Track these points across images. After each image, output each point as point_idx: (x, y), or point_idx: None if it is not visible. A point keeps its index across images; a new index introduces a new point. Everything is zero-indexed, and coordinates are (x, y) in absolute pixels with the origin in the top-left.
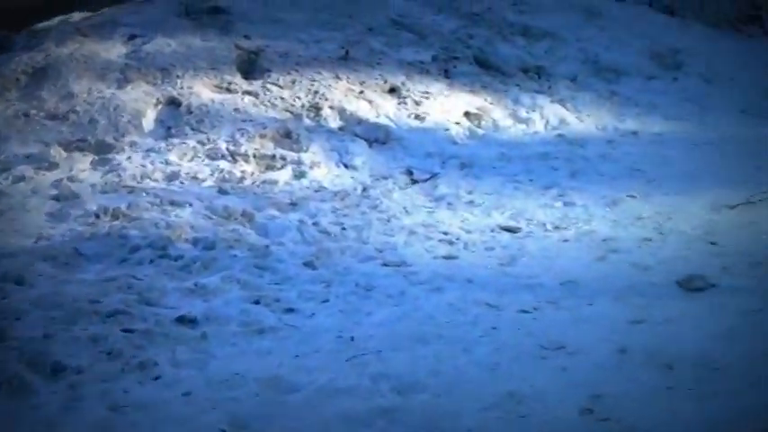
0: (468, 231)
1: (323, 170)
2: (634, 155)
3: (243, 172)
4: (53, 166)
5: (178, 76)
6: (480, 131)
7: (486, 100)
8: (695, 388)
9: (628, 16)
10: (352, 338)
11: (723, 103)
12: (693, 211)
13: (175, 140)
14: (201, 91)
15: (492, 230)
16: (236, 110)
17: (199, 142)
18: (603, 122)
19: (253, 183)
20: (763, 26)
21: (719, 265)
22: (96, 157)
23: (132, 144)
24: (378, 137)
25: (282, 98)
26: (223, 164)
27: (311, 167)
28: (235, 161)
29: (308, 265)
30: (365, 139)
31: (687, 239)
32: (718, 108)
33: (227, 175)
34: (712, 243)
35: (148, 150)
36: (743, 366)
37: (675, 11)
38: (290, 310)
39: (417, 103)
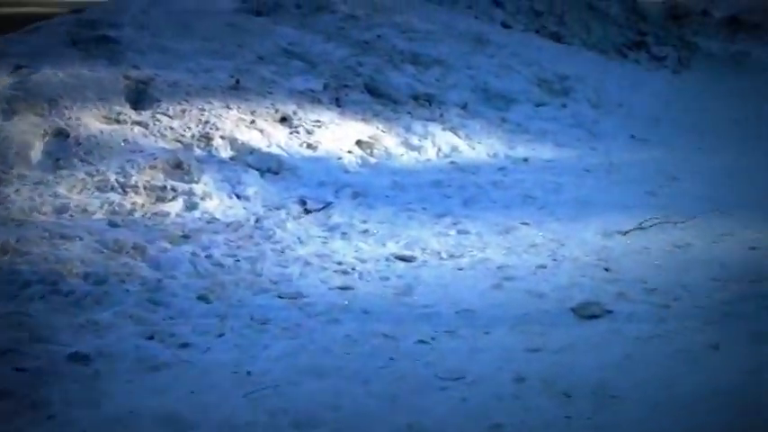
0: (363, 261)
1: (215, 201)
2: (526, 182)
3: (133, 204)
4: None
5: (66, 107)
6: (373, 160)
7: (378, 128)
8: (593, 417)
9: (516, 43)
10: (249, 373)
11: (612, 128)
12: (586, 238)
13: (64, 172)
14: (90, 122)
15: (387, 260)
16: (125, 141)
17: (88, 174)
18: (495, 149)
19: (144, 215)
20: (649, 51)
21: (614, 291)
22: None
23: (20, 176)
24: (270, 166)
25: (172, 128)
26: (113, 196)
27: (203, 198)
28: (125, 193)
29: (201, 298)
30: (257, 169)
31: (581, 266)
32: (608, 133)
33: (117, 208)
34: (606, 269)
35: (37, 183)
36: (640, 394)
37: (562, 37)
38: (185, 345)
39: (309, 132)
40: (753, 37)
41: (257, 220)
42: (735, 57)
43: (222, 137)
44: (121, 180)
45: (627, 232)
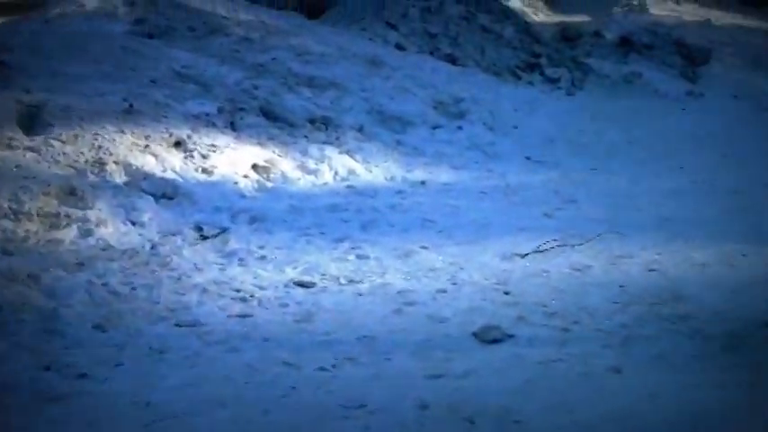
0: (262, 288)
1: (110, 228)
2: (424, 205)
3: (27, 231)
4: None
5: None
6: (269, 184)
7: (274, 152)
8: None
9: (411, 65)
10: (149, 403)
11: (508, 150)
12: (486, 261)
13: None
14: None
15: (286, 286)
16: (17, 167)
17: None
18: (392, 173)
19: (37, 242)
20: (543, 73)
21: (515, 315)
22: None
23: None
24: (165, 192)
25: (65, 153)
26: (5, 223)
27: (97, 225)
28: (18, 220)
29: (98, 327)
30: (152, 195)
31: (481, 289)
32: (504, 156)
33: (10, 235)
34: (506, 293)
35: None
36: (543, 418)
37: (457, 59)
38: (83, 376)
39: (204, 157)
40: (644, 57)
41: (153, 247)
42: (627, 77)
43: (116, 162)
44: (14, 207)
45: (525, 255)
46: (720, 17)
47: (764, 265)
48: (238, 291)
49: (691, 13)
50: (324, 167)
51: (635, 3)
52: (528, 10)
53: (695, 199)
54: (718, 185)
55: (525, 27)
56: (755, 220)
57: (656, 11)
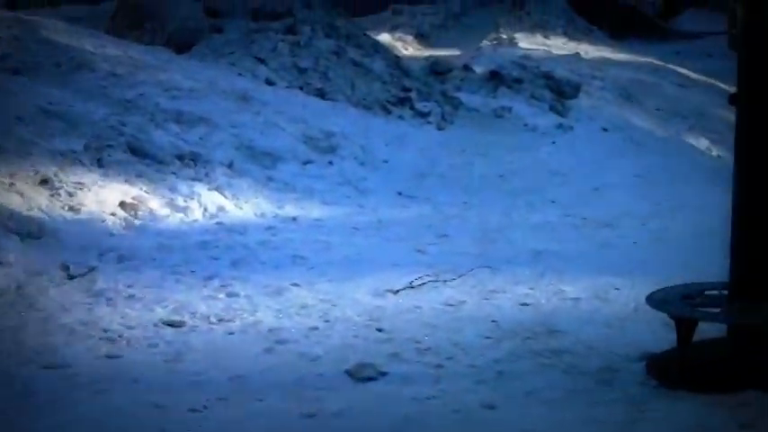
0: (131, 328)
1: None
2: (295, 241)
3: None
4: None
5: None
6: (138, 222)
7: (142, 189)
8: None
9: (281, 100)
10: None
11: (379, 185)
12: (358, 298)
13: None
14: None
15: (155, 326)
16: None
17: None
18: (263, 209)
19: None
20: (414, 107)
21: (388, 352)
22: None
23: None
24: (31, 231)
25: None
26: None
27: None
28: None
29: None
30: (17, 234)
31: (354, 326)
32: (375, 191)
33: None
34: (379, 330)
35: None
36: None
37: (327, 94)
38: None
39: (71, 195)
40: (514, 91)
41: (19, 287)
42: (497, 111)
43: None
44: None
45: (398, 291)
46: (590, 50)
47: (636, 298)
48: (106, 331)
49: (560, 47)
50: (193, 204)
51: (504, 37)
52: (398, 44)
53: (567, 232)
54: (589, 218)
55: (395, 61)
56: (627, 253)
57: (525, 44)
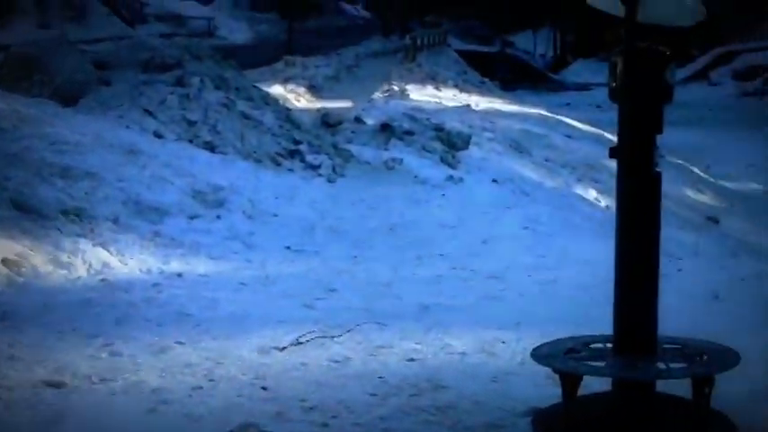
0: (10, 389)
1: None
2: (181, 297)
3: None
4: None
5: None
6: (20, 279)
7: (25, 246)
8: None
9: (169, 154)
10: None
11: (268, 239)
12: (244, 355)
13: None
14: None
15: (35, 387)
16: None
17: None
18: (148, 265)
19: None
20: (304, 160)
21: (273, 411)
22: None
23: None
24: None
25: None
26: None
27: None
28: None
29: None
30: None
31: (238, 385)
32: (264, 245)
33: None
34: (264, 388)
35: None
36: None
37: (216, 147)
38: None
39: None
40: (405, 143)
41: None
42: (388, 163)
43: None
44: None
45: (284, 348)
46: (481, 102)
47: (523, 352)
48: None
49: (451, 98)
50: (77, 261)
51: (396, 88)
52: (290, 96)
53: (455, 285)
54: (477, 271)
55: (286, 113)
56: (514, 306)
57: (417, 96)
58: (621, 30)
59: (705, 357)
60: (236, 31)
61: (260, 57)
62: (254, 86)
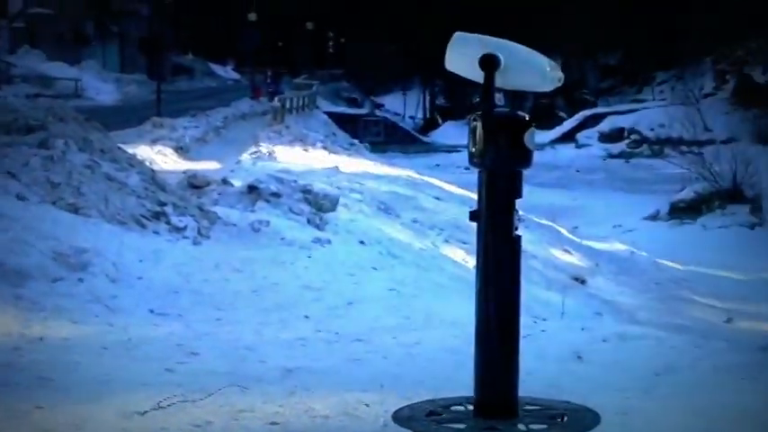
0: None
1: None
2: (42, 362)
3: None
4: None
5: None
6: None
7: None
8: None
9: (31, 216)
10: None
11: (131, 302)
12: (105, 419)
13: None
14: None
15: None
16: None
17: None
18: (9, 329)
19: None
20: (169, 222)
21: None
22: None
23: None
24: None
25: None
26: None
27: None
28: None
29: None
30: None
31: None
32: (127, 308)
33: None
34: None
35: None
36: None
37: (80, 209)
38: None
39: None
40: (272, 205)
41: None
42: (254, 225)
43: None
44: None
45: (145, 412)
46: (349, 164)
47: (385, 414)
48: None
49: (319, 160)
50: None
51: (264, 150)
52: (157, 157)
53: (319, 348)
54: (341, 333)
55: (151, 175)
56: (378, 368)
57: (285, 158)
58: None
59: (565, 419)
60: (104, 92)
61: (127, 118)
62: (120, 148)
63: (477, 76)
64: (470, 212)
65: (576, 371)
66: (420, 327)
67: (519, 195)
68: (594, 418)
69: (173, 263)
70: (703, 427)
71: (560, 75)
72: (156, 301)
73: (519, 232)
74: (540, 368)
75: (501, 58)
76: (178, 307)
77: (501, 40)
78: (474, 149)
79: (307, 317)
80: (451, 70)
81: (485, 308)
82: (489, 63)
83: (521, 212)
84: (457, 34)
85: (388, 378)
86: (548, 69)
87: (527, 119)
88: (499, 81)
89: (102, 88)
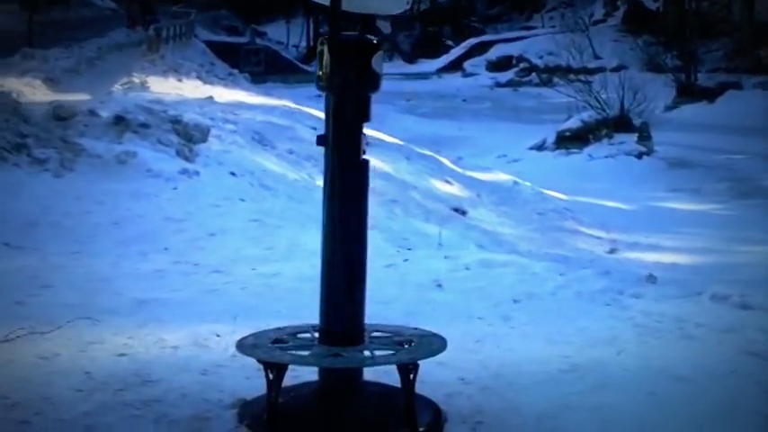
0: None
1: None
2: None
3: None
4: None
5: None
6: None
7: None
8: None
9: None
10: None
11: None
12: None
13: None
14: None
15: None
16: None
17: None
18: None
19: None
20: (31, 154)
21: None
22: None
23: None
24: None
25: None
26: None
27: None
28: None
29: None
30: None
31: None
32: None
33: None
34: None
35: None
36: None
37: None
38: None
39: None
40: (140, 136)
41: None
42: (120, 157)
43: None
44: None
45: None
46: (225, 94)
47: (233, 344)
48: None
49: (194, 91)
50: None
51: (136, 81)
52: (25, 89)
53: (176, 280)
54: (200, 264)
55: (13, 106)
56: (234, 300)
57: (158, 89)
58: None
59: (413, 344)
60: None
61: None
62: None
63: None
64: (317, 137)
65: (435, 299)
66: (281, 257)
67: (367, 119)
68: (441, 343)
69: (32, 195)
70: (558, 351)
71: None
72: (13, 233)
73: (366, 156)
74: (400, 296)
75: None
76: (35, 240)
77: None
78: (321, 73)
79: (166, 249)
80: None
81: (330, 234)
82: None
83: (368, 136)
84: None
85: (243, 309)
86: None
87: (375, 42)
88: (344, 3)
89: None
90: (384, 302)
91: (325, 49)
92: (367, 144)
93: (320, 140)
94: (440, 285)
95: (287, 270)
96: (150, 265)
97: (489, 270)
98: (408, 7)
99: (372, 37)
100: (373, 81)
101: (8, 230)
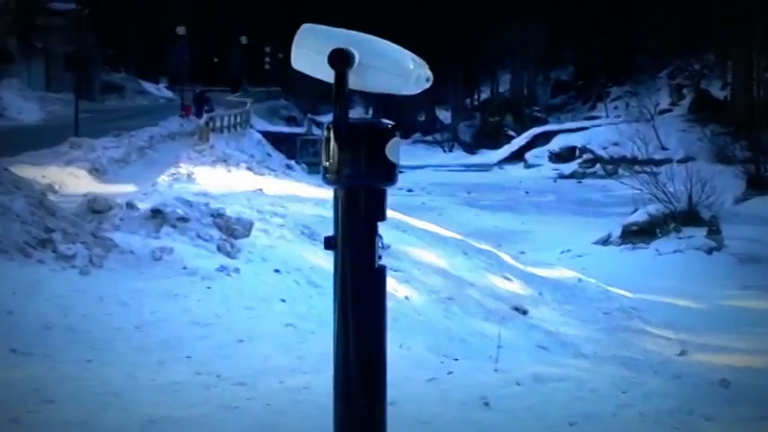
0: None
1: None
2: None
3: None
4: None
5: None
6: None
7: None
8: None
9: None
10: None
11: None
12: None
13: None
14: None
15: None
16: None
17: None
18: None
19: None
20: (56, 250)
21: None
22: None
23: None
24: None
25: None
26: None
27: None
28: None
29: None
30: None
31: None
32: None
33: None
34: None
35: None
36: None
37: None
38: None
39: None
40: (178, 231)
41: None
42: (154, 253)
43: None
44: None
45: None
46: (277, 185)
47: None
48: None
49: (242, 181)
50: None
51: (183, 171)
52: (68, 180)
53: (194, 394)
54: (223, 376)
55: (40, 199)
56: (257, 418)
57: (204, 180)
58: (333, 102)
59: None
60: (26, 111)
61: (46, 138)
62: (6, 170)
63: (327, 75)
64: (325, 239)
65: (480, 419)
66: (312, 368)
67: (382, 218)
68: None
69: (51, 295)
70: None
71: (428, 74)
72: (23, 338)
73: (383, 262)
74: (440, 416)
75: (354, 53)
76: (47, 346)
77: (354, 32)
78: (327, 164)
79: (189, 357)
80: (298, 69)
81: (343, 354)
82: (340, 60)
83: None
84: (304, 26)
85: (264, 429)
86: (411, 67)
87: (390, 127)
88: (354, 82)
89: (24, 107)
90: (422, 423)
91: (331, 135)
92: (383, 248)
93: (327, 243)
94: (486, 404)
95: (316, 384)
96: (168, 376)
97: (542, 386)
98: (423, 88)
99: (387, 121)
100: (388, 173)
101: (19, 335)
